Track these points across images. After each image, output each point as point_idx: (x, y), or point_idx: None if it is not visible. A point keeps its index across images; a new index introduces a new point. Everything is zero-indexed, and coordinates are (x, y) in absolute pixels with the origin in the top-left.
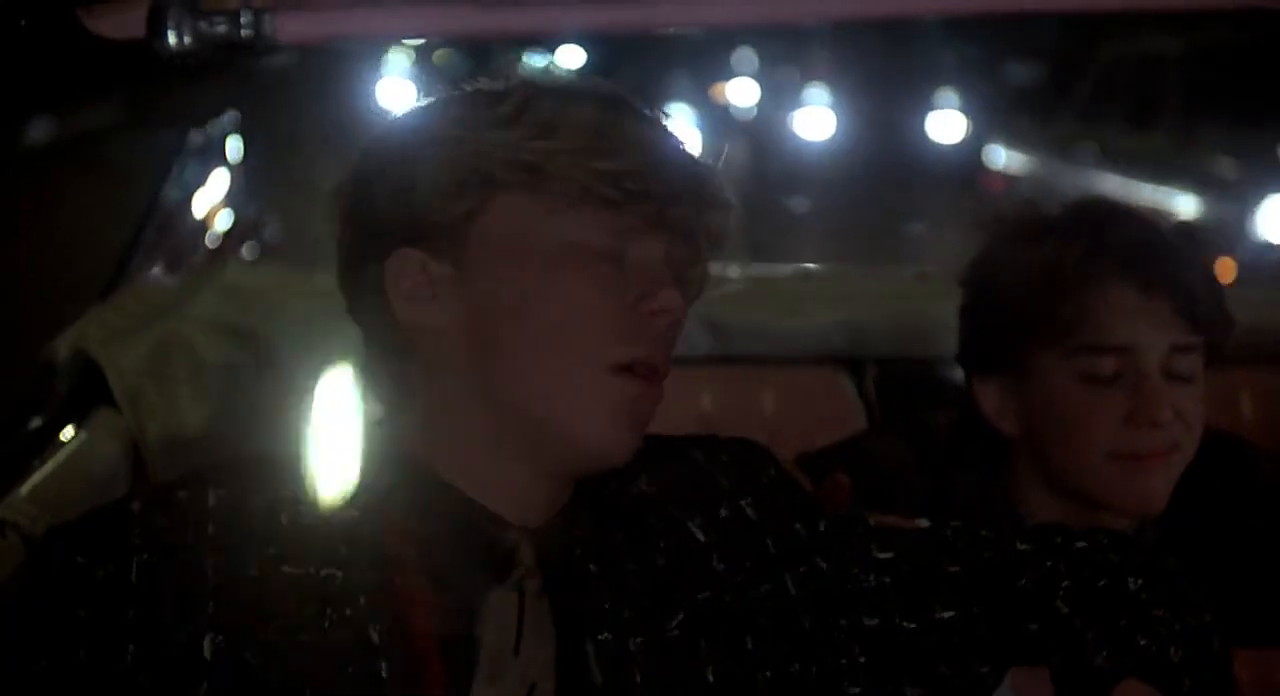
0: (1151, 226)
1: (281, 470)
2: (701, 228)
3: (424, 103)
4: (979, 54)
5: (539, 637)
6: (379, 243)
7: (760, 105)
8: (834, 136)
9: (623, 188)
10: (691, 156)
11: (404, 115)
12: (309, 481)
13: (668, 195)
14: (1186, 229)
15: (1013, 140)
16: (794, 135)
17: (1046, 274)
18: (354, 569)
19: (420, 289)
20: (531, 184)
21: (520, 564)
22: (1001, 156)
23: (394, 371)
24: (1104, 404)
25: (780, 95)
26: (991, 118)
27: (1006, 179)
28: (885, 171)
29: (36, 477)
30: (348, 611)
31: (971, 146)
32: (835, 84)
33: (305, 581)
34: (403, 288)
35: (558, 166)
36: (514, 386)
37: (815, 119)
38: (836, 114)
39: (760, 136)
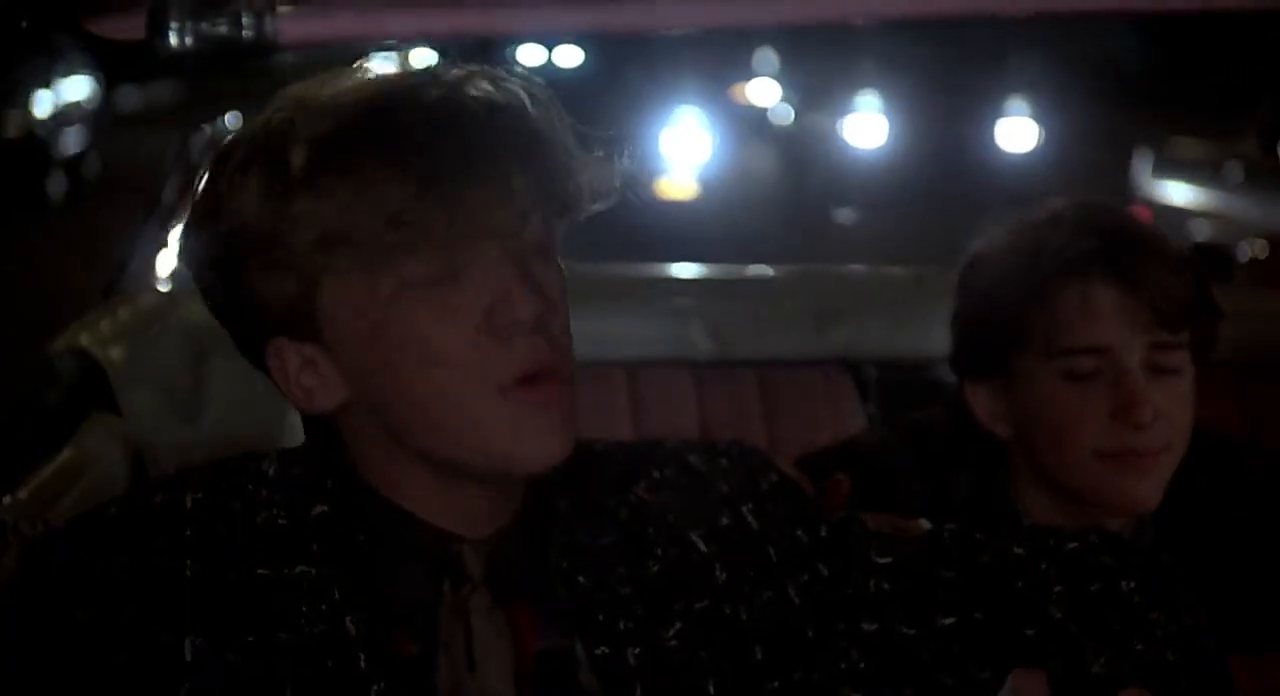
0: (1130, 226)
1: (256, 472)
2: (522, 185)
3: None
4: (1045, 57)
5: (495, 651)
6: (249, 332)
7: (798, 109)
8: (887, 144)
9: (410, 223)
10: (483, 114)
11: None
12: (284, 482)
13: (467, 195)
14: (1135, 220)
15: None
16: (842, 142)
17: (1024, 276)
18: (327, 564)
19: (306, 376)
20: (343, 255)
21: (469, 578)
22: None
23: (313, 431)
24: (1088, 403)
25: (823, 99)
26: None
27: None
28: (945, 182)
29: (36, 479)
30: (322, 606)
31: (1042, 156)
32: (887, 89)
33: (278, 582)
34: (292, 377)
35: (359, 235)
36: (423, 435)
37: (866, 125)
38: (890, 120)
39: (799, 144)
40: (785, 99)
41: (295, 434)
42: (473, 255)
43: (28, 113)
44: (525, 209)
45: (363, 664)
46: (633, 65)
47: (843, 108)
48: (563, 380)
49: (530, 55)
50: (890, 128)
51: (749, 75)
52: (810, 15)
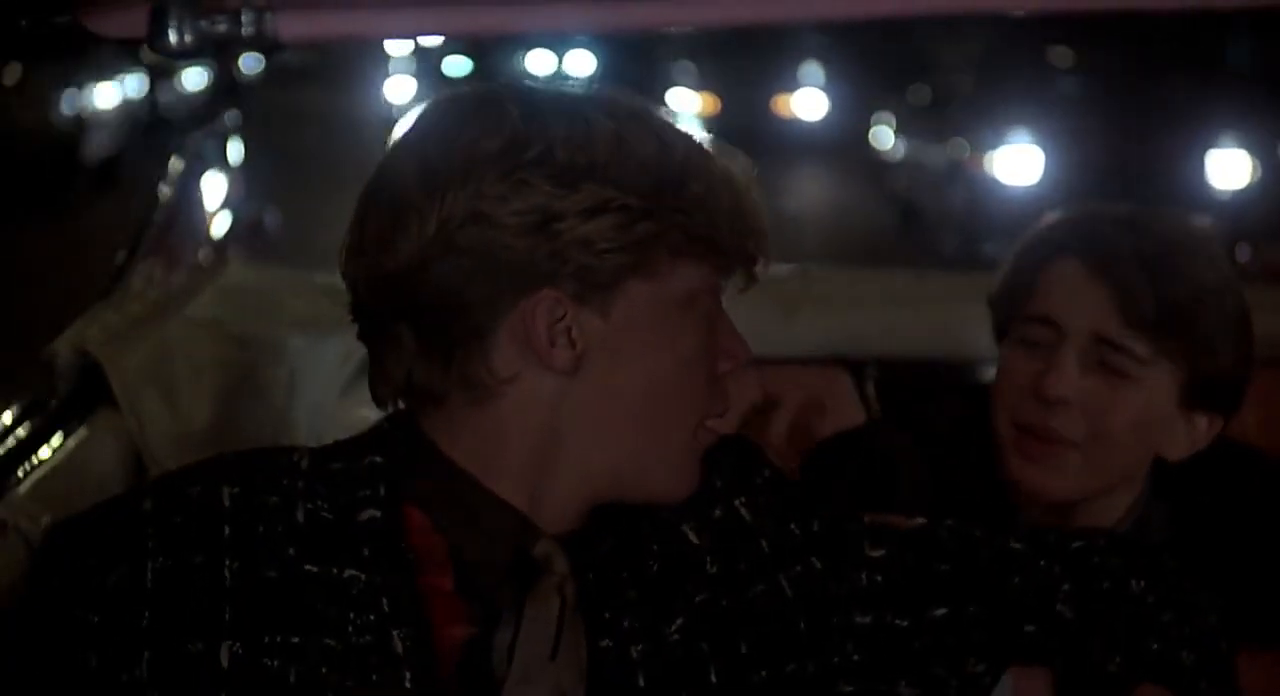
0: (1150, 227)
1: (288, 464)
2: (753, 257)
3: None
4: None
5: (573, 644)
6: (502, 277)
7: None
8: (1042, 181)
9: (740, 246)
10: (745, 184)
11: (516, 122)
12: (322, 477)
13: (746, 239)
14: (1190, 237)
15: None
16: (992, 179)
17: (1025, 247)
18: (376, 571)
19: (559, 336)
20: (699, 253)
21: (555, 571)
22: None
23: (451, 390)
24: (1020, 369)
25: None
26: None
27: None
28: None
29: (37, 477)
30: (370, 616)
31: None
32: (1038, 123)
33: (326, 582)
34: (537, 329)
35: (723, 238)
36: (602, 439)
37: (1018, 160)
38: (1045, 154)
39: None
40: (886, 124)
41: (296, 432)
42: (719, 296)
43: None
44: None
45: (408, 683)
46: (634, 64)
47: (989, 141)
48: None
49: (542, 61)
50: (1046, 162)
51: (793, 85)
52: (814, 13)
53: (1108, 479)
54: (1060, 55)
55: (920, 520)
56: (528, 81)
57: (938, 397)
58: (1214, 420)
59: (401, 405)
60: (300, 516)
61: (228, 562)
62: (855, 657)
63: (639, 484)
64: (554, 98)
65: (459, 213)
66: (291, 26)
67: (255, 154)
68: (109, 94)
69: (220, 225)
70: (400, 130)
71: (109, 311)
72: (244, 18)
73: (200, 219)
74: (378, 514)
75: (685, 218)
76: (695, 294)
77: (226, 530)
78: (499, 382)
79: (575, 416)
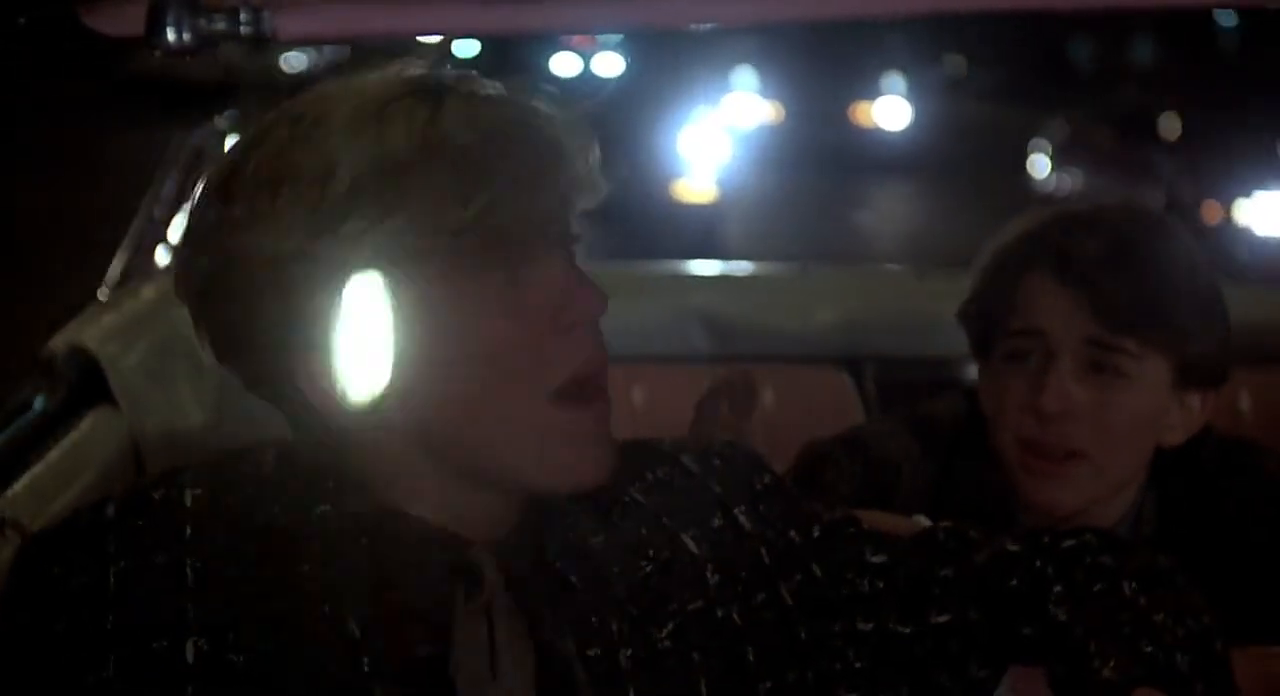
0: (1108, 224)
1: (253, 470)
2: (570, 188)
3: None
4: None
5: (517, 657)
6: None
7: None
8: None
9: (490, 226)
10: (537, 126)
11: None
12: (279, 480)
13: (530, 209)
14: (1153, 228)
15: None
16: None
17: (994, 261)
18: (329, 565)
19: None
20: (411, 268)
21: (486, 582)
22: None
23: (306, 432)
24: (1015, 384)
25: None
26: None
27: None
28: None
29: (35, 475)
30: (326, 608)
31: None
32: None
33: (283, 580)
34: (330, 385)
35: (426, 250)
36: (467, 446)
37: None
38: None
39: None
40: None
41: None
42: (536, 262)
43: None
44: (573, 215)
45: (366, 667)
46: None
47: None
48: (606, 394)
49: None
50: None
51: (873, 93)
52: (822, 13)
53: (1117, 480)
54: None
55: (920, 519)
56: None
57: (937, 396)
58: (1206, 396)
59: None
60: (260, 518)
61: (190, 562)
62: (857, 665)
63: (522, 478)
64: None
65: None
66: (290, 26)
67: None
68: None
69: None
70: None
71: (109, 311)
72: (242, 16)
73: None
74: (330, 509)
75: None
76: (471, 293)
77: (188, 531)
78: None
79: (416, 426)
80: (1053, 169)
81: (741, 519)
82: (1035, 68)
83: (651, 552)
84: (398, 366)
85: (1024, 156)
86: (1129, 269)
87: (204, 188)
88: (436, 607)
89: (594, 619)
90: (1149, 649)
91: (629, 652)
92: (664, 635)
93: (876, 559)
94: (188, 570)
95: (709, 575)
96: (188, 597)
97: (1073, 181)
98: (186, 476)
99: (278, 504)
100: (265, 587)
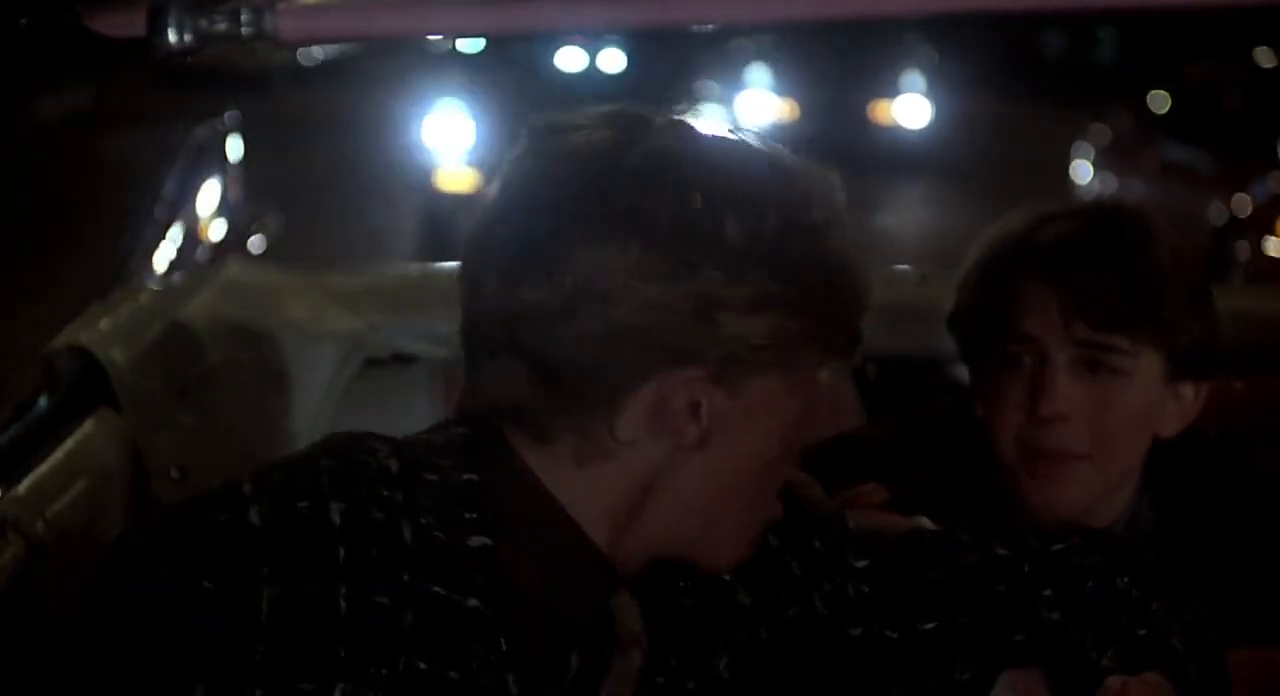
0: (1086, 223)
1: (384, 470)
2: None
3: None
4: None
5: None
6: (650, 350)
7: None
8: None
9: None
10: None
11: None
12: (420, 489)
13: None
14: (1132, 222)
15: None
16: None
17: (977, 269)
18: (491, 604)
19: (686, 420)
20: (838, 348)
21: (629, 624)
22: None
23: (562, 435)
24: (1012, 390)
25: None
26: None
27: None
28: None
29: (36, 475)
30: (491, 657)
31: None
32: None
33: (452, 607)
34: (674, 405)
35: (857, 330)
36: (693, 508)
37: None
38: None
39: None
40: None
41: (298, 431)
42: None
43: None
44: None
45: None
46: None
47: None
48: None
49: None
50: None
51: (893, 91)
52: (828, 12)
53: (1118, 477)
54: None
55: (920, 518)
56: (559, 72)
57: (933, 399)
58: (1199, 387)
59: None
60: (408, 535)
61: (343, 590)
62: (847, 669)
63: (708, 551)
64: (721, 151)
65: (612, 277)
66: (291, 26)
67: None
68: None
69: (220, 223)
70: (533, 146)
71: (109, 310)
72: (243, 17)
73: (200, 217)
74: (489, 542)
75: (836, 315)
76: (822, 384)
77: (341, 552)
78: (617, 444)
79: (675, 484)
80: (1094, 175)
81: (769, 536)
82: (1061, 67)
83: (683, 584)
84: (739, 420)
85: (1058, 159)
86: (1112, 266)
87: None
88: (573, 634)
89: (654, 649)
90: (1144, 633)
91: (691, 684)
92: (721, 666)
93: (860, 563)
94: (341, 599)
95: (741, 598)
96: (339, 633)
97: (1119, 188)
98: (324, 482)
99: (421, 514)
100: (431, 610)
